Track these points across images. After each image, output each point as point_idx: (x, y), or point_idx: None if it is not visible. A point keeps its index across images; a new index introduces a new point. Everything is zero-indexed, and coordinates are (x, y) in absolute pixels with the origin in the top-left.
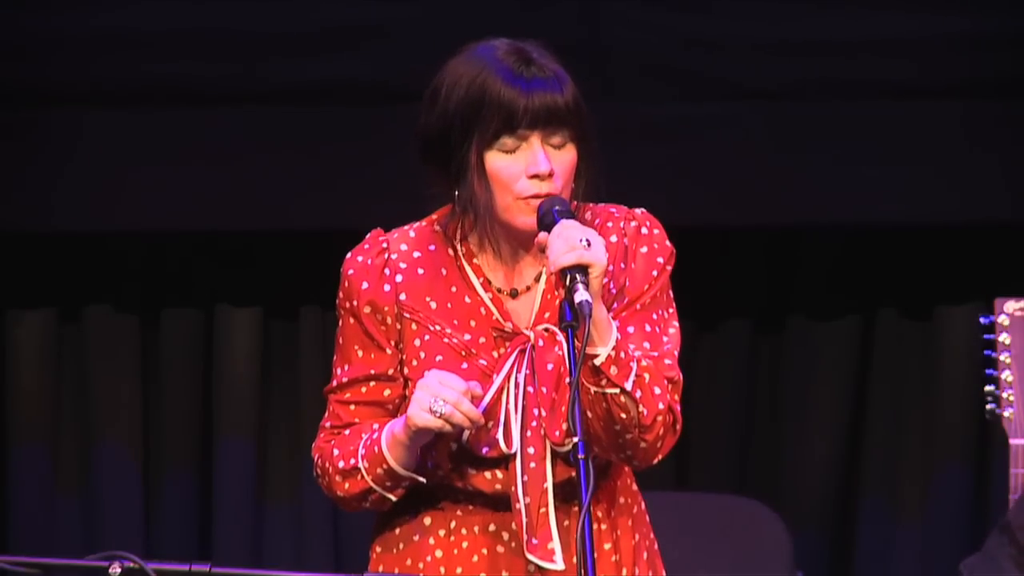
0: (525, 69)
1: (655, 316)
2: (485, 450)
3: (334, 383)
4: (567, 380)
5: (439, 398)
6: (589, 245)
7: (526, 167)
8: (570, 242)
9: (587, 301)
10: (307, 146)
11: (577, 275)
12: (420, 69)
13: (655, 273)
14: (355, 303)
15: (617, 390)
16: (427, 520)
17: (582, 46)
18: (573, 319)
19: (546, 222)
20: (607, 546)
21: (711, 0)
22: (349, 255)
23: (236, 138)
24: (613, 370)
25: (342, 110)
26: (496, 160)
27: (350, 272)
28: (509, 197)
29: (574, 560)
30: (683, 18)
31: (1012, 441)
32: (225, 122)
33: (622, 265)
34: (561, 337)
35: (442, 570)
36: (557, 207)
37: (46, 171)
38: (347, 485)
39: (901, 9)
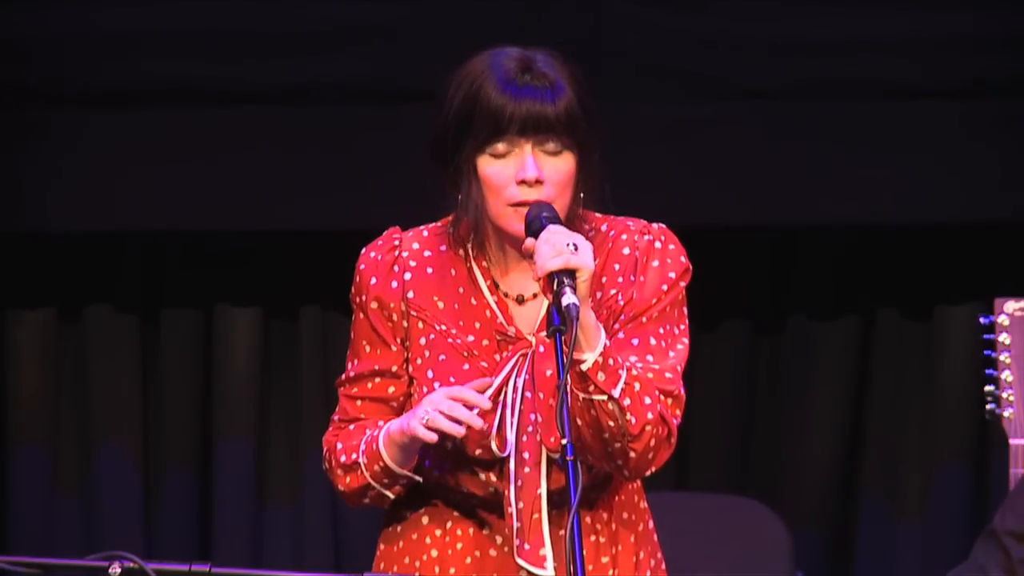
0: (519, 76)
1: (662, 330)
2: (478, 452)
3: (343, 376)
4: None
5: (439, 413)
6: (576, 249)
7: (515, 173)
8: (557, 247)
9: (574, 304)
10: (307, 146)
11: (564, 279)
12: (422, 69)
13: (665, 287)
14: (364, 298)
15: (604, 397)
16: (425, 519)
17: (582, 46)
18: (561, 323)
19: (533, 228)
20: (604, 559)
21: (711, 0)
22: (364, 250)
23: (236, 138)
24: (600, 376)
25: (343, 110)
26: (487, 165)
27: (362, 267)
28: (500, 203)
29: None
30: (683, 18)
31: (1012, 441)
32: (225, 122)
33: (632, 278)
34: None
35: (437, 569)
36: (544, 213)
37: (46, 171)
38: (348, 480)
39: (902, 9)
